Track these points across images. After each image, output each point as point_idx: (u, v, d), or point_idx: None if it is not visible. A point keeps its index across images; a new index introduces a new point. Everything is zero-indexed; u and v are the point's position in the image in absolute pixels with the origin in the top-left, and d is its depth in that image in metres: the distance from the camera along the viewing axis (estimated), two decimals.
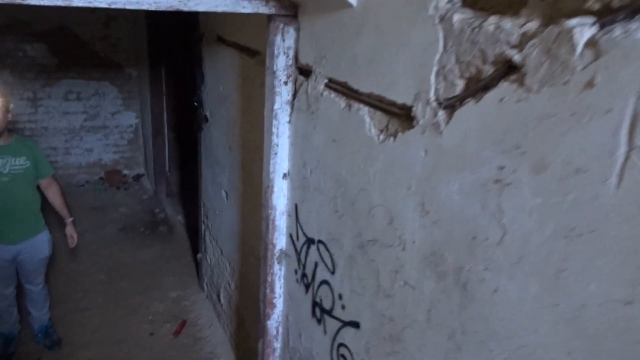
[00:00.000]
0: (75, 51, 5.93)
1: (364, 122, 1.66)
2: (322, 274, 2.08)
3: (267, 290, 2.48)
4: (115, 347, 3.53)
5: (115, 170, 6.49)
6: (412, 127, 1.43)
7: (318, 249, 2.08)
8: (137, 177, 6.57)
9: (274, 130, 2.20)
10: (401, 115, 1.48)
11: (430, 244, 1.40)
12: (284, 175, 2.29)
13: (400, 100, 1.46)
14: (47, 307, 3.51)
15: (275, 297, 2.51)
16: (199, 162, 3.80)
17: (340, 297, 1.95)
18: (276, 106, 2.16)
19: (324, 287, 2.07)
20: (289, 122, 2.20)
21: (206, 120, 3.46)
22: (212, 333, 3.74)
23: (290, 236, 2.34)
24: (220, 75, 3.09)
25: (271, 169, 2.27)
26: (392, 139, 1.54)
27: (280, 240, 2.40)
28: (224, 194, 3.30)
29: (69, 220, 3.36)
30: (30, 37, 5.68)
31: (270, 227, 2.36)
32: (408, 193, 1.48)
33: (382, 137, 1.58)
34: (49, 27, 5.71)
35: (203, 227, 3.96)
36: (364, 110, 1.66)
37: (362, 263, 1.76)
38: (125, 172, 6.58)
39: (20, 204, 3.04)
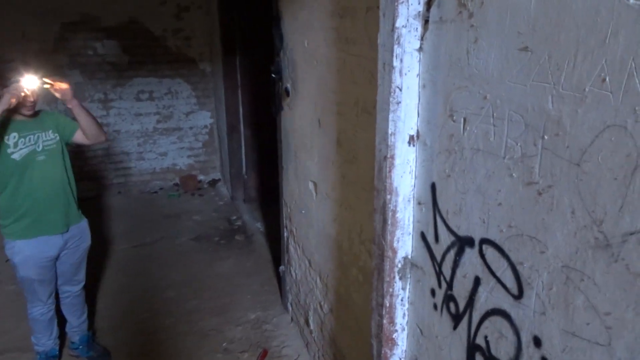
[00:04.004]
0: (146, 47, 5.46)
1: None
2: (490, 297, 1.20)
3: (384, 321, 1.63)
4: None
5: (190, 175, 5.94)
6: None
7: (482, 255, 1.21)
8: (213, 183, 5.98)
9: (395, 64, 1.36)
10: None
11: None
12: (411, 139, 1.45)
13: None
14: (86, 314, 3.00)
15: (396, 331, 1.66)
16: (279, 151, 3.04)
17: (537, 342, 1.06)
18: (399, 23, 1.33)
19: (496, 321, 1.19)
20: (420, 48, 1.36)
21: (287, 94, 2.70)
22: None
23: (423, 236, 1.48)
24: (304, 24, 2.32)
25: (390, 130, 1.43)
26: None
27: (404, 243, 1.55)
28: (311, 185, 2.51)
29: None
30: (100, 34, 5.27)
31: (389, 222, 1.52)
32: None
33: None
34: (119, 22, 5.28)
35: (286, 233, 3.19)
36: None
37: (603, 277, 0.87)
38: (201, 177, 6.02)
39: (61, 183, 2.59)
